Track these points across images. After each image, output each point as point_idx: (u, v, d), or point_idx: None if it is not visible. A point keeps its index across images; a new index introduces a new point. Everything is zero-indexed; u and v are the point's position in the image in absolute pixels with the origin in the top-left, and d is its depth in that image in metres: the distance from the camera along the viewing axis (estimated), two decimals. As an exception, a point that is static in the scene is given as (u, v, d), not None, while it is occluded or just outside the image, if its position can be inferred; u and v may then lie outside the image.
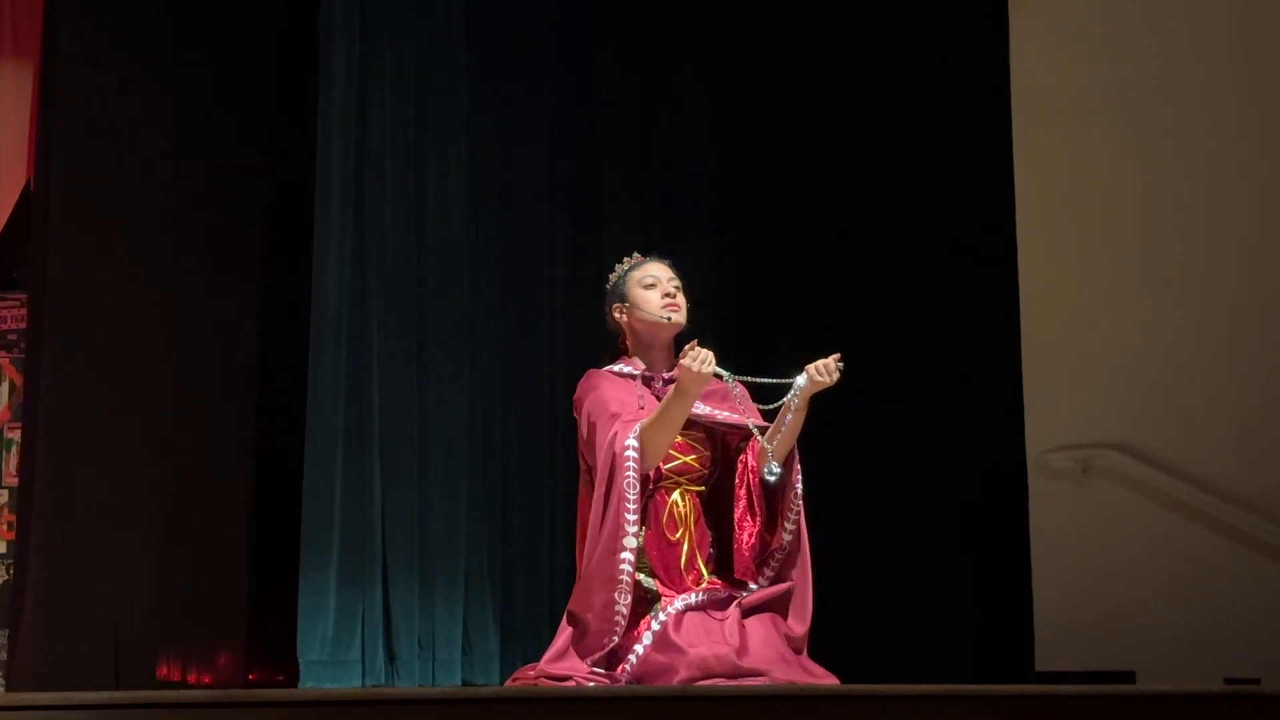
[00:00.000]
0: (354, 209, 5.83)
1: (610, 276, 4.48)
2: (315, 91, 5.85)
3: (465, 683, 5.65)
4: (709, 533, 4.33)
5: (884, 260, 6.30)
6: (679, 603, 4.14)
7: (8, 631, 5.72)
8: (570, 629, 4.17)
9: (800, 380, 4.15)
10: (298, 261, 5.83)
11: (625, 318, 4.40)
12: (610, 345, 4.49)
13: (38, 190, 5.92)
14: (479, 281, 6.06)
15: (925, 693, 3.49)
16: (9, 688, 5.60)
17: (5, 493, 5.88)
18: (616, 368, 4.40)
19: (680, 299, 4.36)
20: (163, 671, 5.66)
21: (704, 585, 4.23)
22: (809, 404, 4.18)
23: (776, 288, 6.43)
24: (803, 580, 4.23)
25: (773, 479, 4.17)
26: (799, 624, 4.19)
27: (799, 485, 4.24)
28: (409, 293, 5.90)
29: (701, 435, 4.34)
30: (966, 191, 6.26)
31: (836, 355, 4.16)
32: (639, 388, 4.32)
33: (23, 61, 6.29)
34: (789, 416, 4.16)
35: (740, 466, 4.31)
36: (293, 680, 5.57)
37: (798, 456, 4.25)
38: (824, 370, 4.14)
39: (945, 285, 6.24)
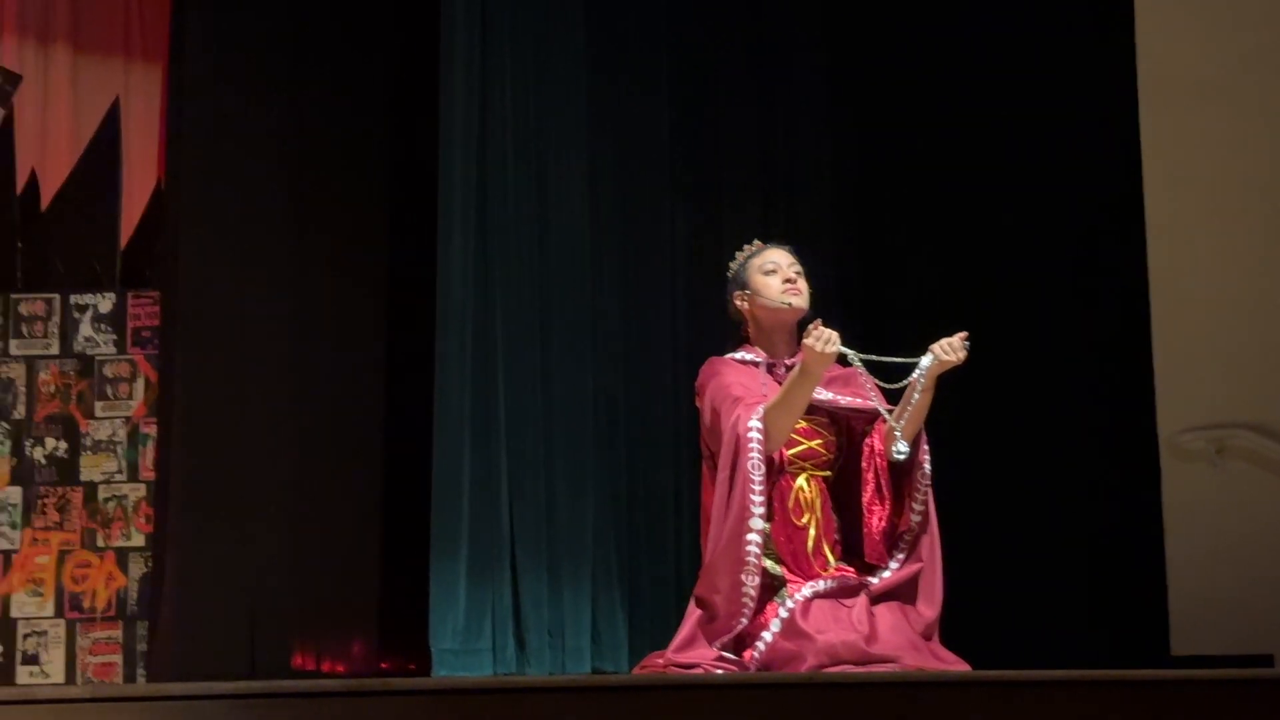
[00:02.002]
0: (476, 202, 5.87)
1: (730, 265, 4.47)
2: (436, 87, 5.89)
3: (595, 670, 5.67)
4: (836, 518, 4.30)
5: (1011, 242, 6.22)
6: (807, 589, 4.12)
7: (147, 623, 5.83)
8: (697, 615, 4.17)
9: (926, 360, 4.11)
10: (422, 255, 5.89)
11: (747, 305, 4.39)
12: (732, 333, 4.48)
13: (168, 190, 6.04)
14: (601, 272, 6.07)
15: (1058, 678, 3.45)
16: (149, 678, 5.72)
17: (143, 487, 5.99)
18: (739, 355, 4.39)
19: (801, 284, 4.34)
20: (297, 661, 5.74)
21: (832, 571, 4.21)
22: (935, 384, 4.14)
23: (899, 271, 6.37)
24: (932, 563, 4.19)
25: (900, 459, 4.13)
26: (929, 608, 4.15)
27: (927, 466, 4.20)
28: (532, 284, 5.93)
29: (826, 420, 4.32)
30: (1094, 170, 6.17)
31: (963, 334, 4.12)
32: (762, 374, 4.31)
33: (151, 63, 6.42)
34: (915, 396, 4.12)
35: (866, 450, 4.28)
36: (425, 669, 5.63)
37: (925, 437, 4.21)
38: (950, 349, 4.10)
39: (1074, 267, 6.15)
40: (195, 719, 3.94)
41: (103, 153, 6.28)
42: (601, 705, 3.85)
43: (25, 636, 5.89)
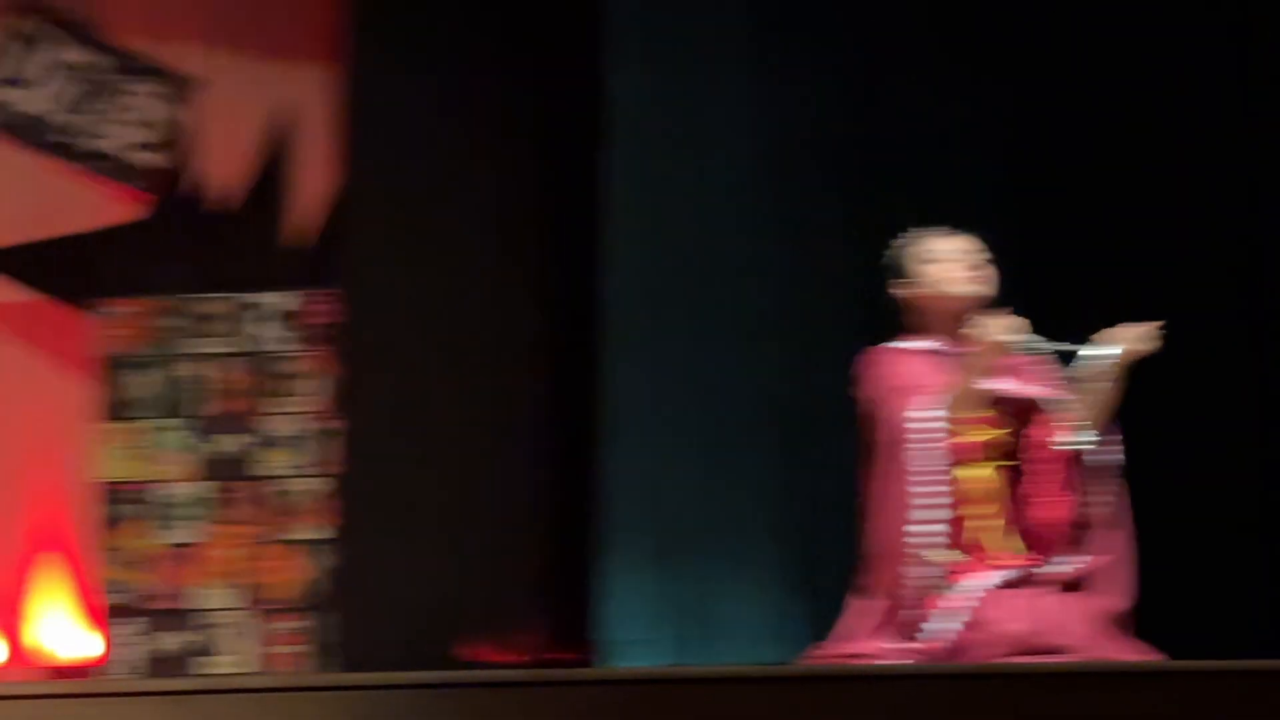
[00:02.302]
0: (641, 191, 5.87)
1: (893, 252, 4.40)
2: (600, 80, 5.90)
3: (762, 662, 5.65)
4: (1013, 506, 4.24)
5: (1196, 221, 6.05)
6: (990, 579, 4.07)
7: (330, 615, 5.94)
8: (864, 605, 4.15)
9: (1115, 350, 4.02)
10: (585, 250, 5.91)
11: (912, 292, 4.33)
12: (897, 321, 4.42)
13: (345, 189, 6.14)
14: (765, 260, 6.03)
15: (1255, 669, 3.37)
16: (335, 668, 5.83)
17: (324, 482, 6.10)
18: (902, 343, 4.34)
19: (971, 271, 4.27)
20: (467, 653, 5.81)
21: (1010, 560, 4.15)
22: (1126, 373, 4.05)
23: (1072, 255, 6.23)
24: (1120, 554, 4.11)
25: (1081, 449, 4.06)
26: (1118, 599, 4.07)
27: (1115, 457, 4.11)
28: (695, 275, 5.92)
29: (1000, 407, 4.25)
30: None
31: (1158, 323, 4.02)
32: (925, 362, 4.25)
33: (325, 65, 6.54)
34: (1101, 386, 4.04)
35: (1044, 439, 4.21)
36: (590, 661, 5.66)
37: (1115, 428, 4.12)
38: (1142, 338, 4.01)
39: (1239, 246, 5.97)
40: (381, 708, 4.03)
41: (280, 154, 6.41)
42: (770, 695, 3.84)
43: (213, 628, 6.04)
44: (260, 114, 6.67)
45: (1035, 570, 4.11)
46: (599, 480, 5.74)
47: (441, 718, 4.21)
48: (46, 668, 6.35)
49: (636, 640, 5.61)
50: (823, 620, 5.67)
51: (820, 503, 5.94)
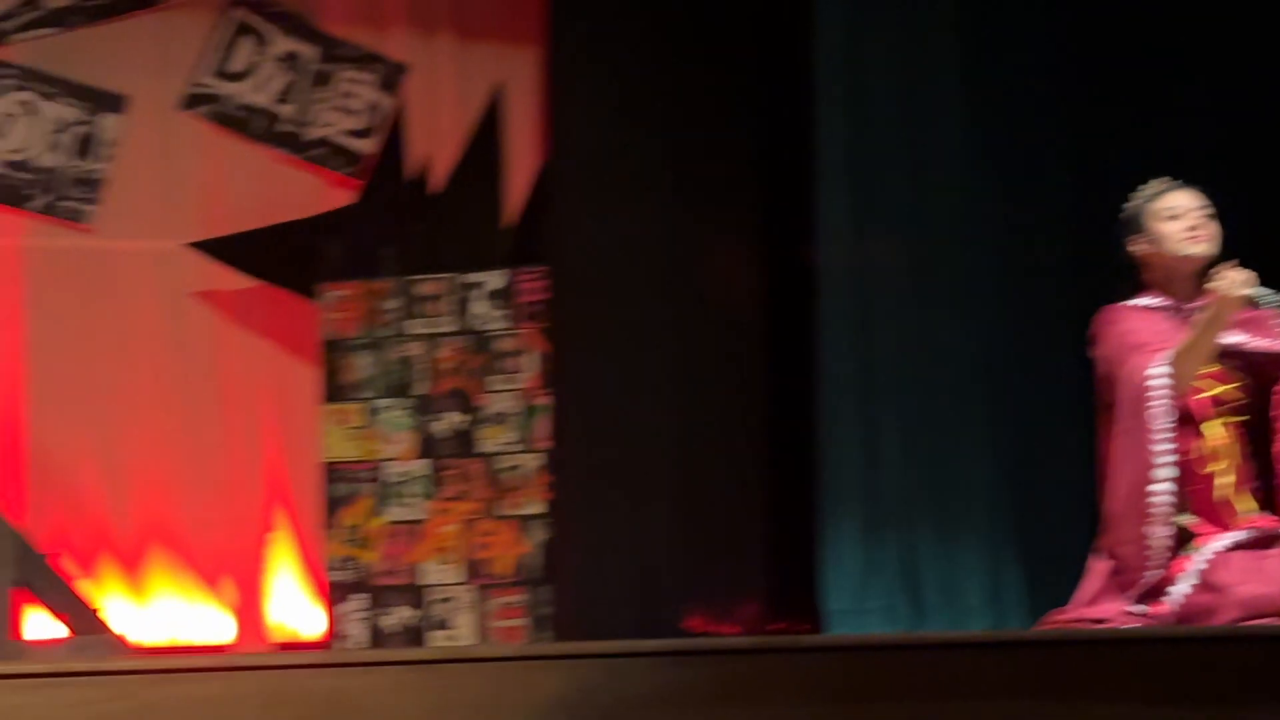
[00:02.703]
0: (853, 163, 5.84)
1: (1126, 207, 4.32)
2: (810, 47, 5.88)
3: (993, 628, 5.60)
4: (1252, 465, 4.14)
5: None
6: (1224, 540, 3.99)
7: (549, 588, 6.02)
8: (1102, 568, 4.09)
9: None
10: (800, 219, 5.90)
11: (1145, 250, 4.25)
12: (1130, 279, 4.34)
13: (551, 167, 6.21)
14: (983, 226, 5.96)
15: None
16: (555, 640, 5.91)
17: (539, 457, 6.18)
18: (1138, 301, 4.26)
19: (1207, 229, 4.18)
20: (690, 623, 5.84)
21: (1249, 520, 4.05)
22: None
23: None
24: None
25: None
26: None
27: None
28: (912, 240, 5.87)
29: (1238, 363, 4.15)
30: None
31: None
32: (1164, 320, 4.17)
33: (530, 46, 6.61)
34: None
35: (1278, 396, 4.11)
36: (817, 629, 5.66)
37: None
38: None
39: None
40: (609, 677, 4.07)
41: (488, 135, 6.52)
42: (1004, 662, 3.80)
43: (436, 603, 6.16)
44: (468, 96, 6.79)
45: (1269, 529, 4.01)
46: (816, 448, 5.74)
47: (670, 686, 4.25)
48: (274, 644, 6.55)
49: (859, 609, 5.60)
50: (1041, 586, 5.63)
51: (1037, 468, 5.87)
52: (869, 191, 5.86)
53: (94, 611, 5.79)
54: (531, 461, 6.19)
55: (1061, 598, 4.33)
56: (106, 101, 6.65)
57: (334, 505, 6.27)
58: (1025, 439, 5.92)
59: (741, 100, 6.08)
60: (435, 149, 6.75)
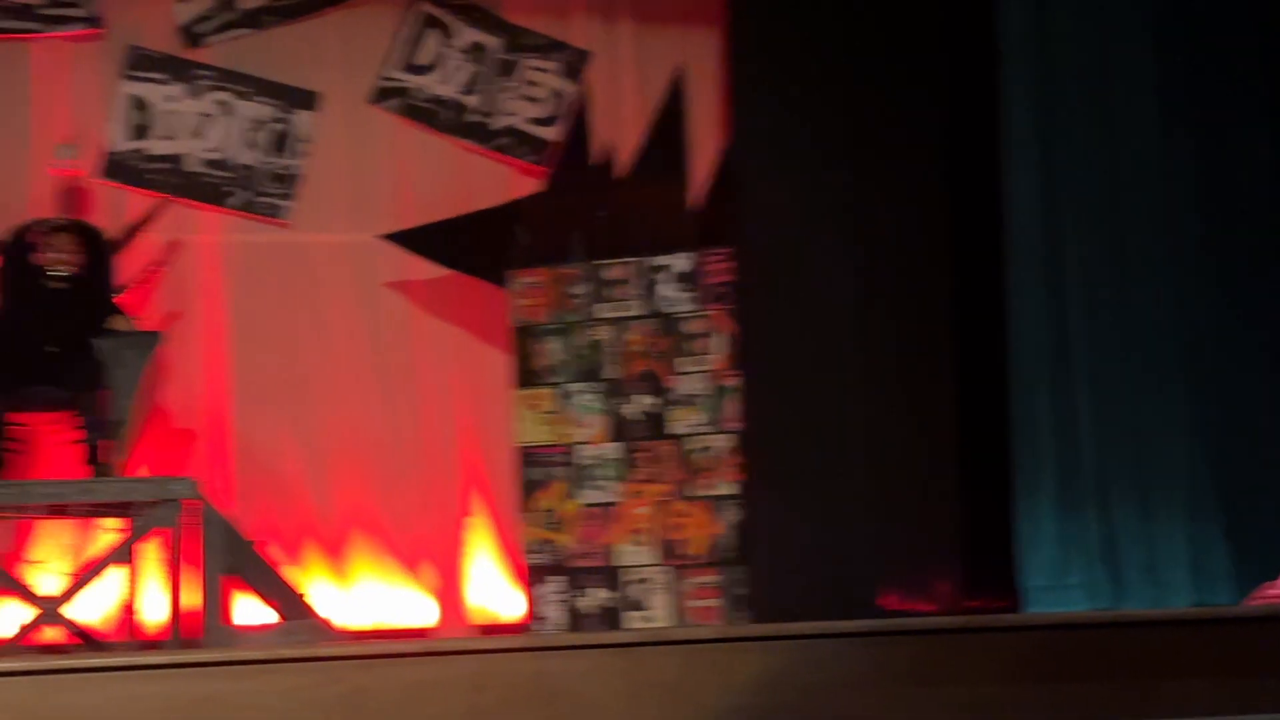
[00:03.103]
0: (1041, 129, 5.74)
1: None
2: (995, 16, 5.80)
3: (1197, 604, 5.48)
4: None
5: None
6: None
7: (742, 568, 6.04)
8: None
9: None
10: (987, 187, 5.82)
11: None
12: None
13: (733, 149, 6.21)
14: (1179, 190, 5.82)
15: None
16: (748, 620, 5.93)
17: (729, 437, 6.19)
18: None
19: None
20: (884, 602, 5.81)
21: None
22: None
23: None
24: None
25: None
26: None
27: None
28: (1104, 207, 5.76)
29: None
30: None
31: None
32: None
33: (710, 28, 6.62)
34: None
35: None
36: (1014, 608, 5.59)
37: None
38: None
39: None
40: (811, 657, 4.09)
41: (671, 118, 6.54)
42: (1210, 639, 3.73)
43: (632, 584, 6.22)
44: (650, 80, 6.83)
45: None
46: (1010, 423, 5.67)
47: (867, 666, 4.25)
48: (475, 627, 6.66)
49: (1057, 585, 5.53)
50: (1248, 559, 5.50)
51: (1240, 441, 5.74)
52: (1059, 164, 5.76)
53: (301, 597, 5.95)
54: (722, 442, 6.21)
55: (1273, 571, 4.23)
56: (300, 98, 6.82)
57: (529, 489, 6.36)
58: (1227, 412, 5.78)
59: (925, 74, 6.00)
60: (619, 134, 6.81)
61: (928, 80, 6.02)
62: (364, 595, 6.65)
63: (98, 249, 6.25)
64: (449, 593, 6.67)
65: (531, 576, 6.33)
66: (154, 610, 5.79)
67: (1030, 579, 5.57)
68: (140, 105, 6.70)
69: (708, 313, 6.28)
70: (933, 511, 5.84)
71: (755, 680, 4.05)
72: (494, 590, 6.75)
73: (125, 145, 6.68)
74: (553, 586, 6.30)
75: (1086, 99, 5.79)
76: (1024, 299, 5.71)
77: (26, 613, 5.71)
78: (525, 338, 6.43)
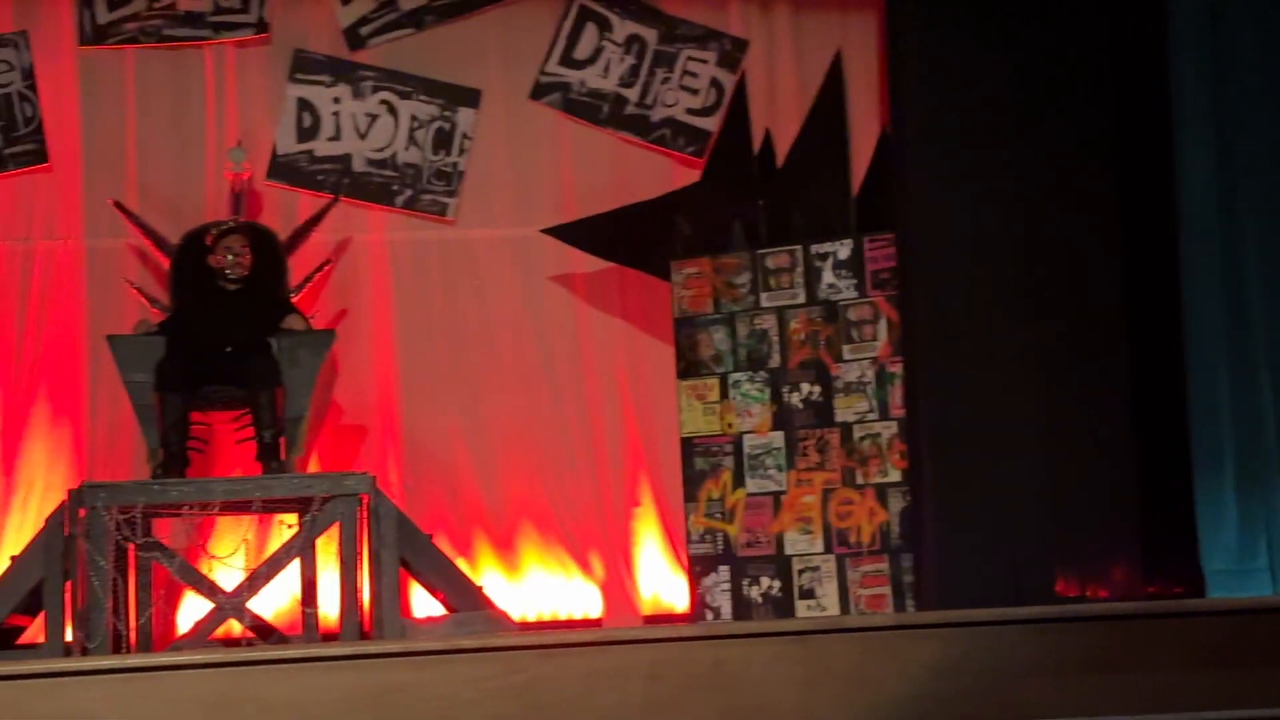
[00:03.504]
0: (1214, 105, 5.62)
1: None
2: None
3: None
4: None
5: None
6: None
7: (911, 555, 6.00)
8: None
9: None
10: (1157, 162, 5.71)
11: None
12: None
13: (893, 134, 6.16)
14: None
15: None
16: (919, 607, 5.89)
17: (895, 424, 6.16)
18: None
19: None
20: (1060, 588, 5.74)
21: None
22: None
23: None
24: None
25: None
26: None
27: None
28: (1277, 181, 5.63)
29: None
30: None
31: None
32: None
33: (867, 12, 6.59)
34: None
35: None
36: (1194, 592, 5.49)
37: None
38: None
39: None
40: (989, 645, 4.06)
41: (829, 105, 6.50)
42: None
43: (800, 572, 6.21)
44: (808, 66, 6.80)
45: None
46: (1187, 404, 5.56)
47: (1046, 653, 4.20)
48: (643, 617, 6.69)
49: (1241, 569, 5.42)
50: None
51: None
52: (1233, 141, 5.63)
53: (476, 589, 6.02)
54: (887, 429, 6.18)
55: None
56: (462, 96, 6.90)
57: (694, 479, 6.38)
58: None
59: (1091, 53, 5.91)
60: (777, 121, 6.79)
61: (1094, 57, 5.93)
62: (533, 586, 6.72)
63: (270, 250, 6.39)
64: (617, 583, 6.71)
65: (698, 566, 6.34)
66: (330, 603, 5.90)
67: (1212, 563, 5.47)
68: (307, 107, 6.83)
69: (871, 299, 6.24)
70: (1108, 494, 5.75)
71: (933, 668, 4.03)
72: (661, 580, 6.78)
73: (293, 147, 6.82)
74: (720, 576, 6.31)
75: (1261, 74, 5.66)
76: (1198, 277, 5.60)
77: (208, 607, 5.85)
78: (688, 328, 6.45)
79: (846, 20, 6.83)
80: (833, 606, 6.15)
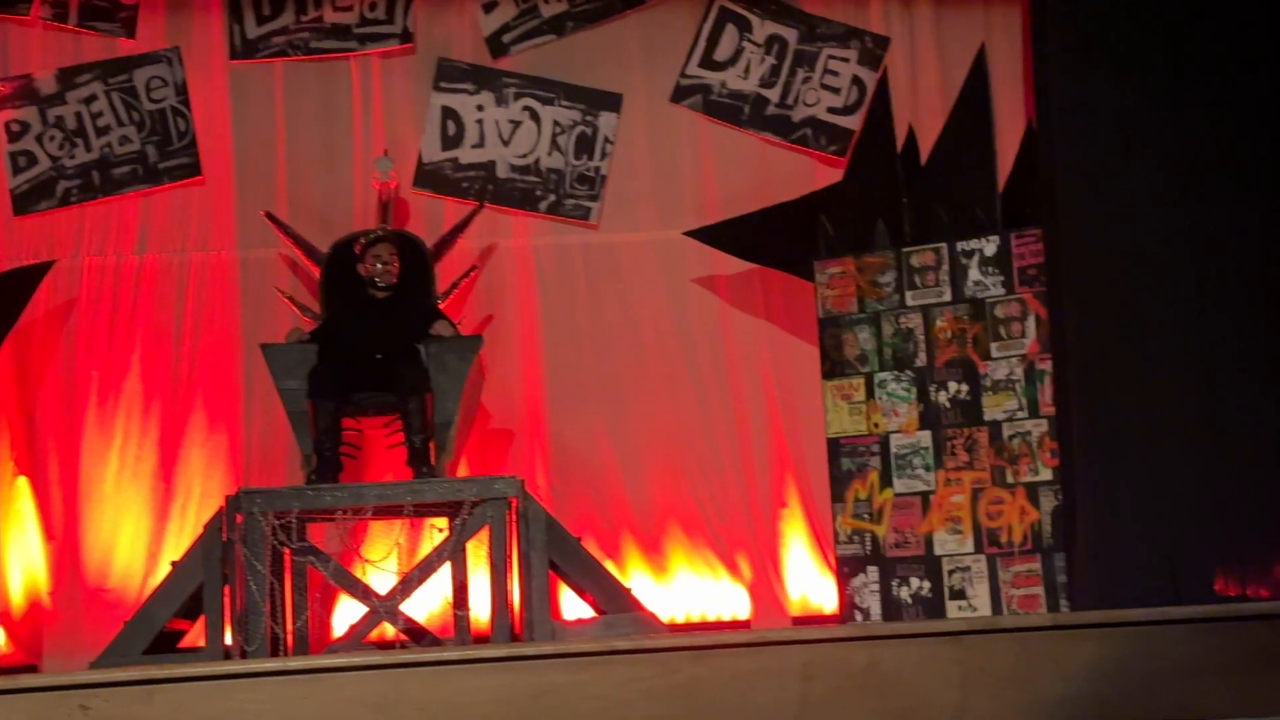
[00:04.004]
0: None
1: None
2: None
3: None
4: None
5: None
6: None
7: (1064, 555, 5.92)
8: None
9: None
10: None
11: None
12: None
13: (1039, 128, 6.08)
14: None
15: None
16: (1071, 609, 5.80)
17: (1044, 422, 6.08)
18: None
19: None
20: (1220, 586, 5.62)
21: None
22: None
23: None
24: None
25: None
26: None
27: None
28: None
29: None
30: None
31: None
32: None
33: (1011, 6, 6.51)
34: None
35: None
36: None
37: None
38: None
39: None
40: (1149, 645, 4.00)
41: (973, 100, 6.42)
42: None
43: (950, 573, 6.15)
44: (950, 61, 6.76)
45: None
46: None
47: (1208, 653, 4.13)
48: (792, 618, 6.68)
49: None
50: None
51: None
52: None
53: (625, 591, 6.05)
54: (1037, 427, 6.10)
55: None
56: (603, 100, 6.94)
57: (841, 480, 6.35)
58: None
59: (1252, 34, 5.76)
60: (920, 118, 6.74)
61: (1251, 42, 5.79)
62: (681, 588, 6.73)
63: (417, 257, 6.47)
64: (764, 584, 6.71)
65: (846, 567, 6.31)
66: (481, 606, 5.96)
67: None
68: (451, 115, 6.91)
69: (1019, 295, 6.17)
70: (1270, 491, 5.62)
71: (1092, 669, 3.97)
72: (809, 581, 6.76)
73: (438, 155, 6.91)
74: (869, 577, 6.27)
75: None
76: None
77: (362, 610, 5.94)
78: (832, 328, 6.42)
79: (990, 13, 6.77)
80: (984, 607, 6.08)
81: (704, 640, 4.22)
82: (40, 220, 6.79)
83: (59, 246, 6.77)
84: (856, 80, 6.90)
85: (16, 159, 6.80)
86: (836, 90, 6.91)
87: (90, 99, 6.83)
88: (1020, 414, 6.14)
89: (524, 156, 6.94)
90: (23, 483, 6.62)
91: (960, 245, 6.26)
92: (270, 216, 6.67)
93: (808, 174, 6.87)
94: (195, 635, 6.00)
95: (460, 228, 6.70)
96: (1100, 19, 5.84)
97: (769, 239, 6.68)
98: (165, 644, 5.88)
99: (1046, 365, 6.06)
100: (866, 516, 6.30)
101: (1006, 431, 6.15)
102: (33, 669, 6.33)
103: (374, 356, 6.12)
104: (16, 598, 6.53)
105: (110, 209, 6.82)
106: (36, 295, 6.60)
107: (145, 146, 6.83)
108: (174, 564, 5.96)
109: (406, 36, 6.90)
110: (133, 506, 6.63)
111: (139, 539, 6.61)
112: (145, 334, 6.75)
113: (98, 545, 6.59)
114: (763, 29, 6.94)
